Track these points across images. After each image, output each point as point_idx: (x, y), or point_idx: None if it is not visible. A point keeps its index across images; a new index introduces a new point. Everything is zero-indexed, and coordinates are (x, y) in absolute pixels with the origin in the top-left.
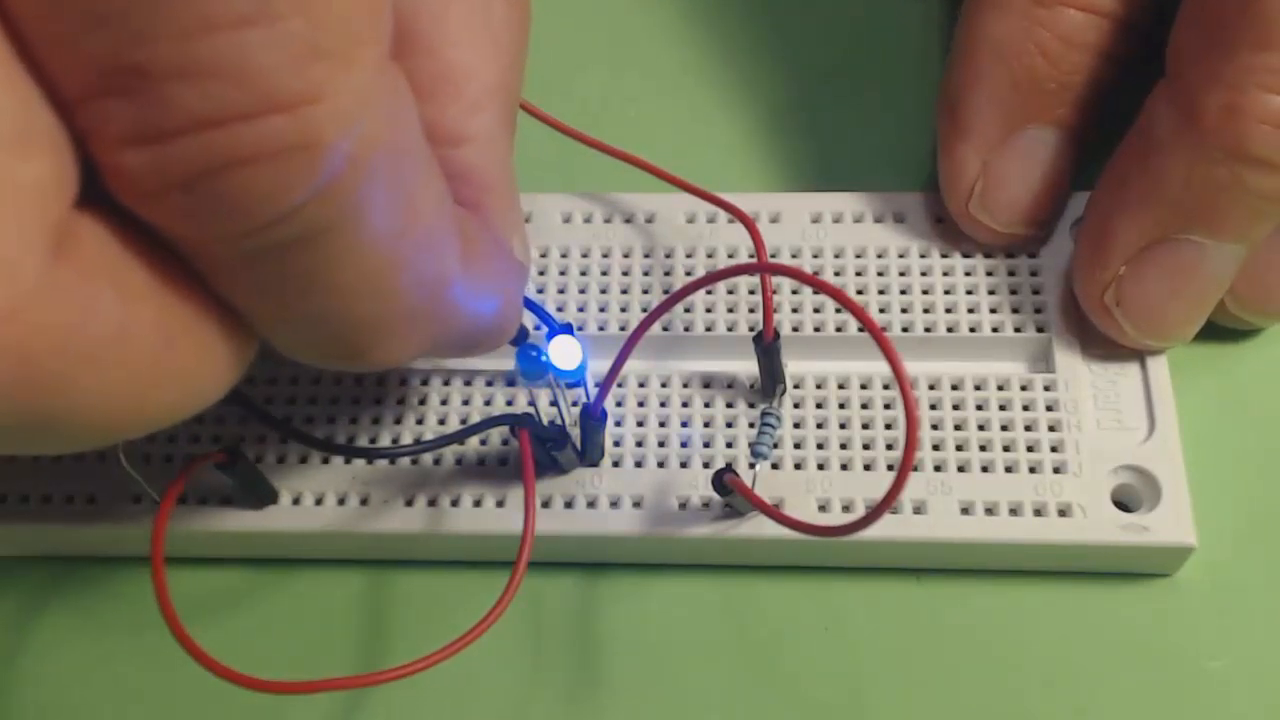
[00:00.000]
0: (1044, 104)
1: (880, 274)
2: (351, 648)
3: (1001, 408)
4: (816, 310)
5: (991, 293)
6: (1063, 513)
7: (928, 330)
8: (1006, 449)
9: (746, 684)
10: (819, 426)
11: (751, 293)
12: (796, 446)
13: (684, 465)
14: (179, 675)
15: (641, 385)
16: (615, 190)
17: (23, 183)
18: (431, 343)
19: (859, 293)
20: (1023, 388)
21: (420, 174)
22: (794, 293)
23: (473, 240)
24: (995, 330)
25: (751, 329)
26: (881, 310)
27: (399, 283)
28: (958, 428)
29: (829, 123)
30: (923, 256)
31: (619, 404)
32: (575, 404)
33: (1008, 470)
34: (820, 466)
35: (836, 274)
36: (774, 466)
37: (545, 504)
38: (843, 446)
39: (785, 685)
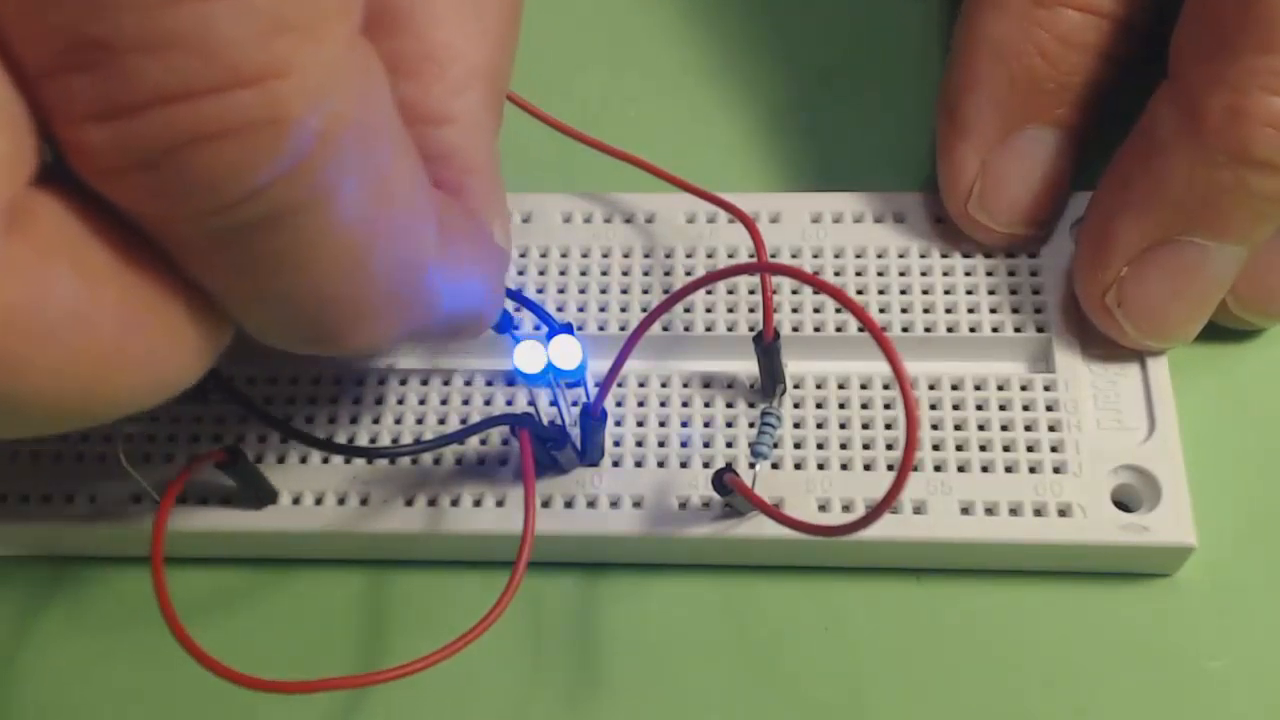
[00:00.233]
0: (1043, 104)
1: (880, 274)
2: (351, 648)
3: (1001, 408)
4: (816, 310)
5: (991, 293)
6: (1063, 513)
7: (928, 330)
8: (1006, 449)
9: (746, 684)
10: (819, 426)
11: (751, 293)
12: (796, 446)
13: (684, 465)
14: (179, 675)
15: (641, 385)
16: (615, 190)
17: None
18: (410, 328)
19: (859, 293)
20: (1023, 388)
21: (394, 153)
22: (794, 293)
23: (451, 223)
24: (995, 330)
25: (751, 329)
26: (881, 310)
27: (373, 265)
28: (958, 428)
29: (829, 123)
30: (923, 256)
31: (619, 404)
32: (575, 404)
33: (1008, 470)
34: (820, 466)
35: (836, 274)
36: (774, 466)
37: (545, 504)
38: (843, 446)
39: (785, 685)
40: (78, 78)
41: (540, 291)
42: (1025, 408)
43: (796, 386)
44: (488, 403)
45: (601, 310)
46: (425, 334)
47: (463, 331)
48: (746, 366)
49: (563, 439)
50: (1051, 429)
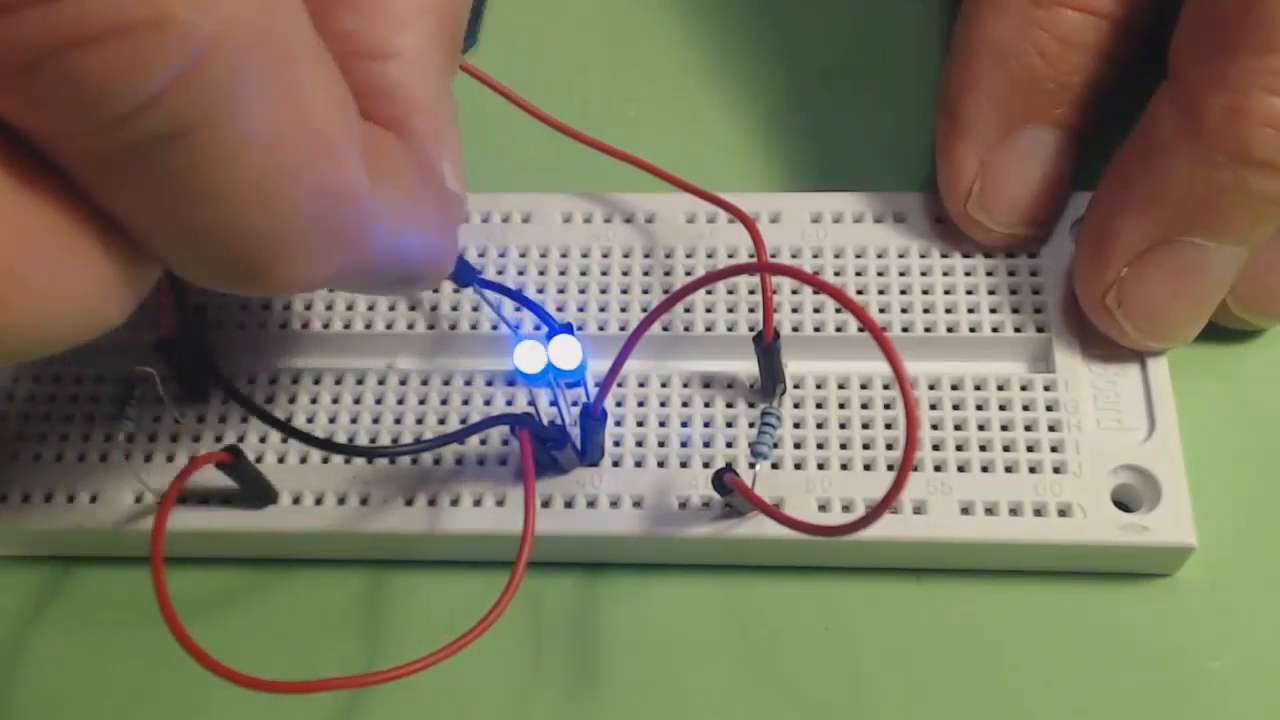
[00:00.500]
0: (1042, 104)
1: (880, 274)
2: (351, 648)
3: (1001, 408)
4: (816, 310)
5: (991, 293)
6: (1063, 513)
7: (928, 330)
8: (1006, 449)
9: (746, 684)
10: (819, 426)
11: (751, 293)
12: (796, 446)
13: (684, 465)
14: (179, 675)
15: (641, 385)
16: (615, 190)
17: None
18: (346, 267)
19: (859, 293)
20: (1023, 388)
21: (310, 72)
22: (794, 293)
23: (386, 157)
24: (995, 330)
25: (751, 329)
26: (881, 310)
27: (289, 191)
28: (958, 428)
29: (829, 123)
30: (923, 256)
31: (619, 404)
32: (575, 404)
33: (1008, 470)
34: (820, 466)
35: (836, 274)
36: (774, 466)
37: (545, 504)
38: (843, 446)
39: (785, 685)
40: None
41: (540, 291)
42: (1025, 408)
43: (796, 386)
44: (488, 403)
45: (601, 310)
46: (371, 277)
47: (415, 278)
48: (746, 366)
49: (563, 439)
50: (1051, 429)
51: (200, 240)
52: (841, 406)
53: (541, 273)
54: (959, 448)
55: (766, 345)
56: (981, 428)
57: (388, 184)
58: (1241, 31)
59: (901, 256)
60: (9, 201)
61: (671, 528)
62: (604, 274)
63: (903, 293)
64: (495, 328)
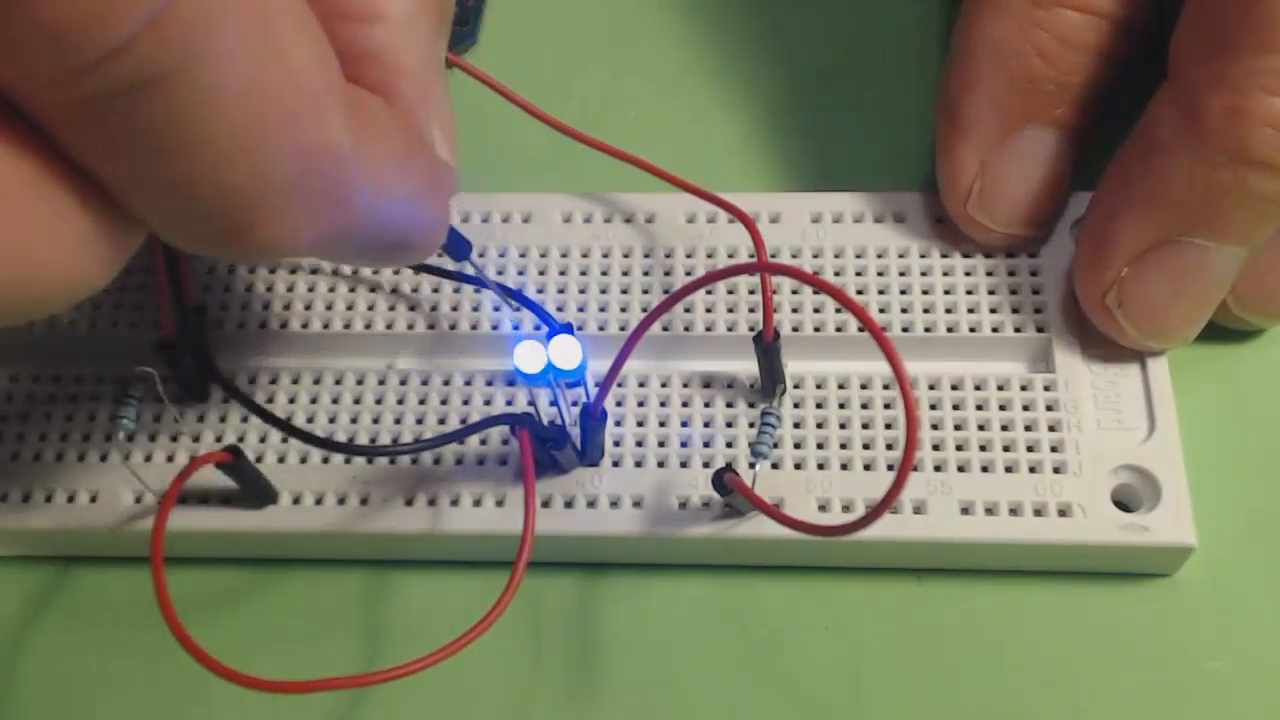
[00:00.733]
0: (1042, 104)
1: (880, 274)
2: (351, 648)
3: (1001, 408)
4: (816, 310)
5: (991, 293)
6: (1063, 513)
7: (928, 330)
8: (1006, 449)
9: (746, 684)
10: (819, 426)
11: (751, 293)
12: (796, 446)
13: (684, 465)
14: (179, 675)
15: (641, 385)
16: (615, 190)
17: None
18: (332, 232)
19: (859, 293)
20: (1023, 388)
21: (290, 26)
22: (794, 293)
23: (371, 119)
24: (995, 330)
25: (751, 329)
26: (881, 310)
27: (268, 147)
28: (958, 428)
29: (829, 123)
30: (923, 256)
31: (619, 404)
32: (575, 404)
33: (1008, 470)
34: (820, 466)
35: (836, 274)
36: (774, 466)
37: (545, 504)
38: (843, 446)
39: (785, 685)
40: None
41: (540, 291)
42: (1025, 408)
43: (796, 386)
44: (488, 403)
45: (601, 310)
46: (358, 244)
47: (405, 246)
48: (746, 366)
49: (563, 439)
50: (1051, 429)
51: (179, 198)
52: (841, 406)
53: (541, 273)
54: (959, 448)
55: (766, 345)
56: (981, 428)
57: (373, 145)
58: (1241, 31)
59: (901, 256)
60: None
61: (671, 528)
62: (604, 274)
63: (903, 293)
64: (495, 327)
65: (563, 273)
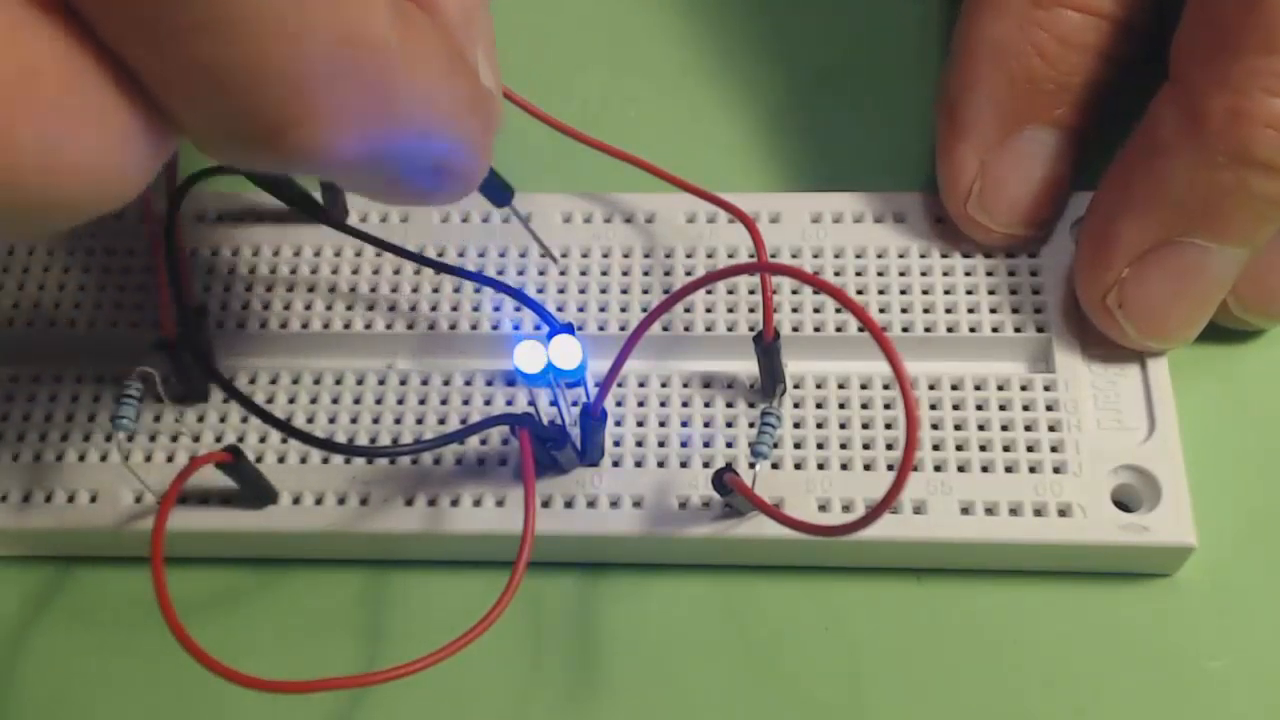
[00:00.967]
0: (1042, 104)
1: (880, 274)
2: (351, 648)
3: (1001, 408)
4: (816, 310)
5: (991, 293)
6: (1063, 513)
7: (928, 330)
8: (1006, 449)
9: (746, 684)
10: (819, 426)
11: (751, 293)
12: (796, 446)
13: (684, 465)
14: (179, 675)
15: (641, 385)
16: (615, 190)
17: None
18: (370, 141)
19: (859, 293)
20: (1023, 388)
21: None
22: (794, 293)
23: (415, 23)
24: (995, 330)
25: (751, 329)
26: (881, 310)
27: (310, 29)
28: (958, 428)
29: (829, 123)
30: (923, 256)
31: (619, 404)
32: (575, 404)
33: (1008, 470)
34: (820, 466)
35: (836, 274)
36: (774, 466)
37: (545, 504)
38: (843, 446)
39: (785, 685)
40: None
41: (540, 291)
42: (1025, 408)
43: (796, 386)
44: (488, 403)
45: (601, 310)
46: (398, 162)
47: (444, 174)
48: (746, 366)
49: (563, 439)
50: (1051, 429)
51: (217, 88)
52: (841, 406)
53: (541, 273)
54: (959, 448)
55: (766, 345)
56: (981, 428)
57: (417, 48)
58: (1243, 32)
59: (901, 256)
60: (16, 21)
61: (671, 528)
62: (604, 274)
63: (903, 293)
64: (495, 327)
65: (563, 273)
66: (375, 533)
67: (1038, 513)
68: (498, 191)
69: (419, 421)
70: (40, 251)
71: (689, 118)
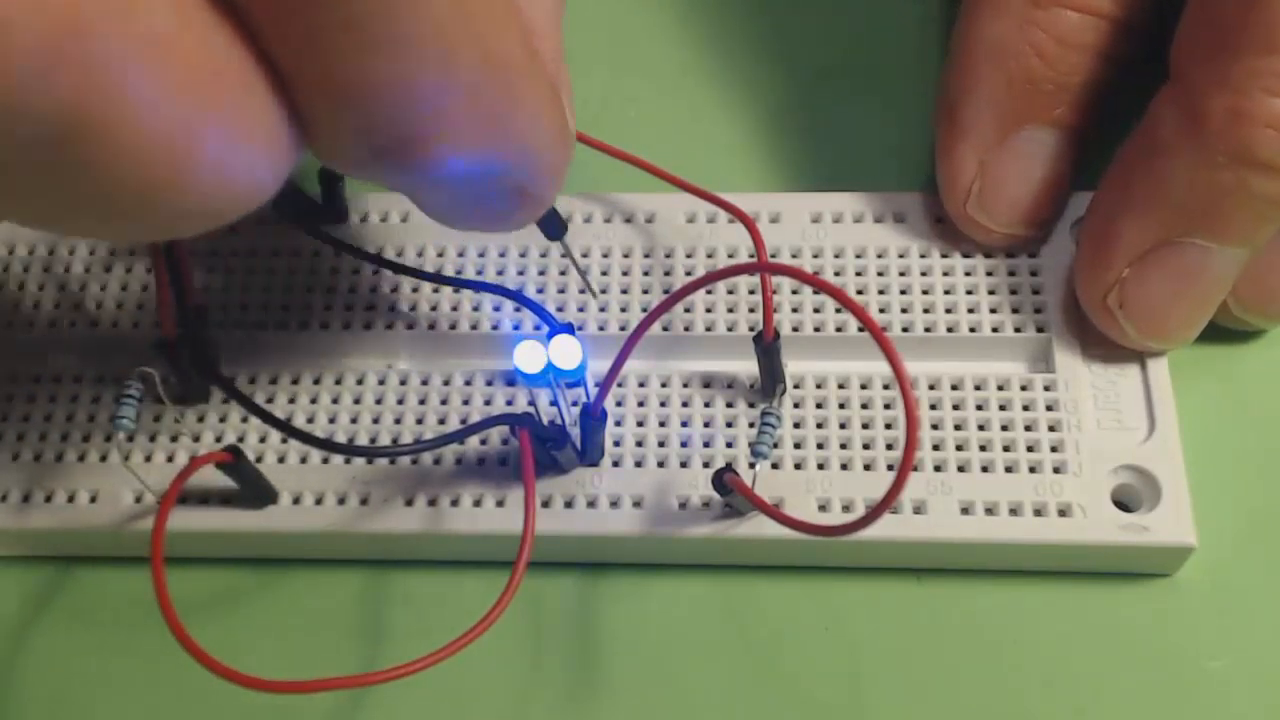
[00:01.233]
0: (1041, 104)
1: (880, 274)
2: (351, 648)
3: (1001, 408)
4: (816, 310)
5: (991, 293)
6: (1063, 513)
7: (928, 330)
8: (1006, 449)
9: (746, 684)
10: (819, 426)
11: (751, 293)
12: (796, 446)
13: (684, 465)
14: (179, 675)
15: (641, 385)
16: (615, 190)
17: None
18: (482, 154)
19: (859, 293)
20: (1023, 388)
21: None
22: (794, 293)
23: (531, 49)
24: (995, 330)
25: (751, 329)
26: (881, 310)
27: (463, 47)
28: (958, 428)
29: (829, 123)
30: (923, 256)
31: (619, 404)
32: (575, 404)
33: (1008, 470)
34: (820, 466)
35: (836, 274)
36: (774, 466)
37: (545, 504)
38: (843, 446)
39: (785, 685)
40: None
41: (540, 291)
42: (1025, 408)
43: (796, 386)
44: (488, 403)
45: (601, 310)
46: (496, 178)
47: (520, 200)
48: (746, 366)
49: (563, 439)
50: (1051, 429)
51: (365, 99)
52: (841, 406)
53: (541, 273)
54: (959, 448)
55: (766, 345)
56: (981, 428)
57: (536, 72)
58: (1243, 32)
59: (901, 256)
60: (210, 21)
61: (671, 528)
62: (604, 274)
63: (903, 293)
64: (495, 327)
65: (563, 273)
66: (375, 533)
67: (1038, 513)
68: (554, 225)
69: (419, 421)
70: (40, 251)
71: (689, 118)
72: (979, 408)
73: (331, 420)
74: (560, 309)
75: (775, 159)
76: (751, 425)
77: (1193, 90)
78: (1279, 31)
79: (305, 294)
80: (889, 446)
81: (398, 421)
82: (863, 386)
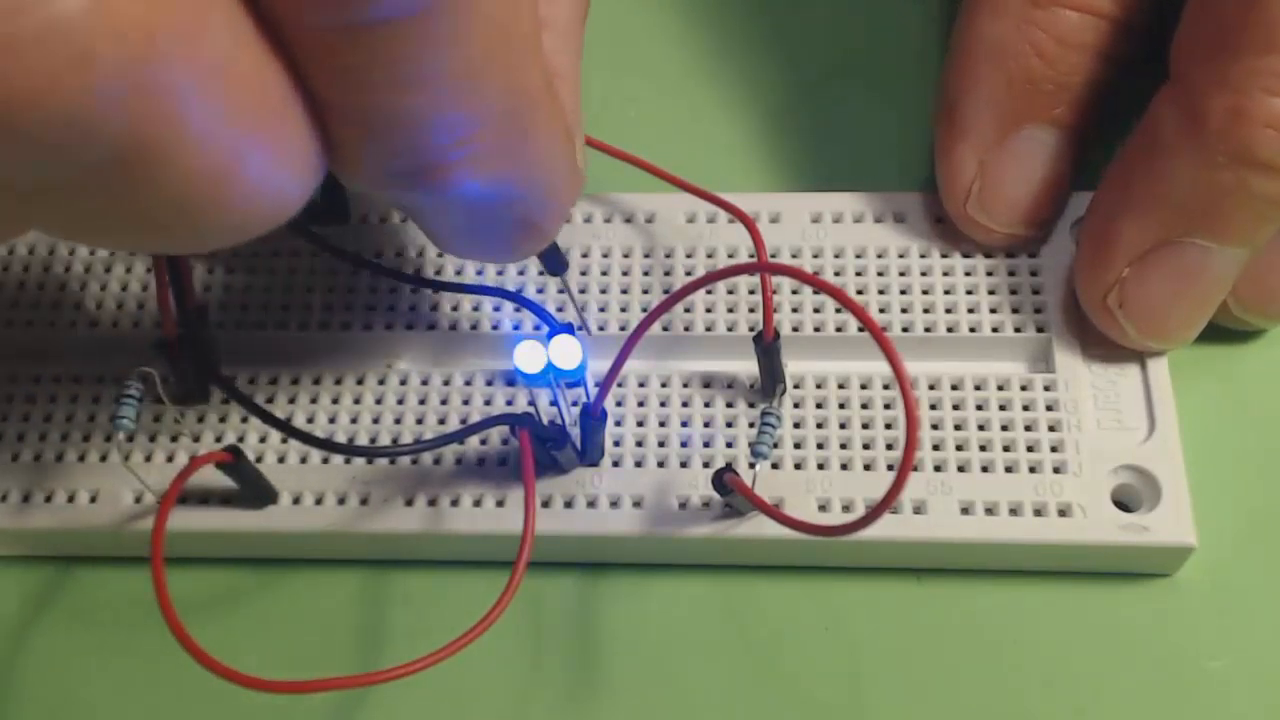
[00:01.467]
0: (1041, 104)
1: (880, 274)
2: (351, 648)
3: (1001, 408)
4: (816, 310)
5: (991, 293)
6: (1063, 513)
7: (928, 330)
8: (1006, 449)
9: (746, 684)
10: (819, 426)
11: (751, 293)
12: (796, 446)
13: (684, 465)
14: (179, 675)
15: (641, 385)
16: (615, 190)
17: None
18: (497, 183)
19: (859, 293)
20: (1023, 388)
21: None
22: (794, 293)
23: (551, 87)
24: (995, 330)
25: (751, 329)
26: (881, 310)
27: (491, 82)
28: (958, 428)
29: (829, 123)
30: (923, 256)
31: (619, 404)
32: (575, 404)
33: (1008, 470)
34: (820, 466)
35: (836, 274)
36: (774, 466)
37: (545, 504)
38: (843, 446)
39: (785, 685)
40: None
41: (540, 291)
42: (1025, 408)
43: (796, 386)
44: (488, 403)
45: (601, 310)
46: (498, 210)
47: (525, 231)
48: (746, 366)
49: (563, 439)
50: (1051, 429)
51: (394, 128)
52: (841, 406)
53: (541, 273)
54: (959, 448)
55: (766, 345)
56: (981, 428)
57: (554, 106)
58: (1243, 32)
59: (901, 256)
60: (261, 53)
61: (671, 528)
62: (604, 274)
63: (903, 293)
64: (495, 327)
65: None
66: (375, 533)
67: (1038, 513)
68: (556, 261)
69: (419, 421)
70: (40, 251)
71: (689, 118)
72: (979, 408)
73: (331, 420)
74: (560, 309)
75: (775, 159)
76: (751, 425)
77: (1193, 90)
78: (1279, 31)
79: (305, 294)
80: (889, 446)
81: (398, 421)
82: (863, 386)
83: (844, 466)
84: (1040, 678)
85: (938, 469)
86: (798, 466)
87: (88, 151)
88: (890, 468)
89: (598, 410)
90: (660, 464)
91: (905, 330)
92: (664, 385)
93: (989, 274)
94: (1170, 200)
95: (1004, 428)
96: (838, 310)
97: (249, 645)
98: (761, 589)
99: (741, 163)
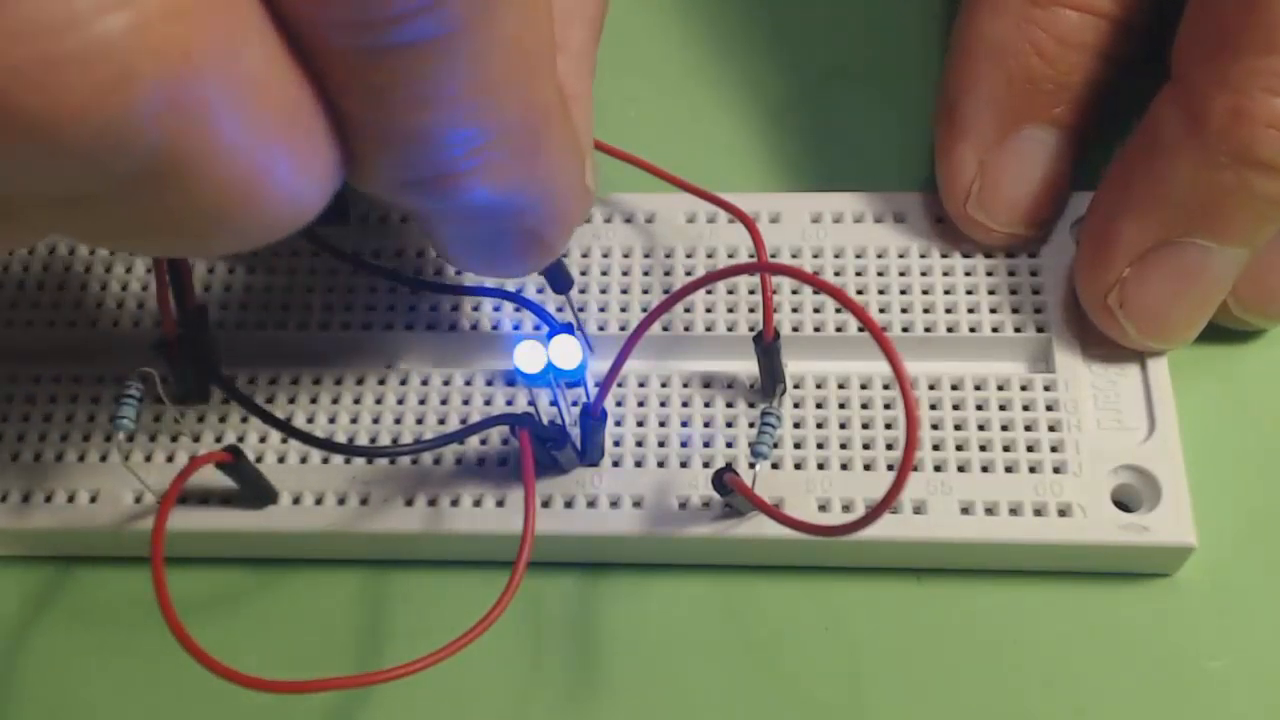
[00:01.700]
0: (1041, 104)
1: (880, 274)
2: (351, 648)
3: (1001, 408)
4: (816, 310)
5: (991, 293)
6: (1063, 513)
7: (928, 330)
8: (1006, 449)
9: (746, 684)
10: (819, 426)
11: (751, 293)
12: (796, 446)
13: (684, 465)
14: (179, 675)
15: (641, 385)
16: (615, 190)
17: None
18: (508, 193)
19: (859, 293)
20: (1023, 388)
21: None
22: (794, 293)
23: (565, 105)
24: (995, 330)
25: (751, 329)
26: (881, 310)
27: (511, 98)
28: (958, 428)
29: (829, 123)
30: (923, 256)
31: (619, 404)
32: (575, 404)
33: (1008, 470)
34: (820, 466)
35: (836, 274)
36: (774, 466)
37: (545, 504)
38: (843, 446)
39: (785, 685)
40: None
41: (540, 292)
42: (1025, 408)
43: (796, 386)
44: (488, 403)
45: (601, 310)
46: (507, 222)
47: (530, 245)
48: (746, 366)
49: (563, 439)
50: (1051, 429)
51: (411, 144)
52: (841, 406)
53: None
54: (959, 448)
55: (766, 345)
56: (981, 428)
57: (567, 123)
58: (1244, 32)
59: (901, 256)
60: (289, 69)
61: (671, 528)
62: (604, 274)
63: (903, 293)
64: (495, 327)
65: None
66: (375, 533)
67: (1038, 513)
68: (561, 279)
69: (419, 421)
70: (40, 251)
71: (689, 118)
72: (979, 408)
73: (331, 420)
74: (560, 309)
75: (775, 159)
76: (751, 425)
77: (1193, 90)
78: (1279, 31)
79: (305, 294)
80: (889, 446)
81: (398, 421)
82: (863, 386)
83: (844, 466)
84: (1040, 678)
85: (938, 469)
86: (798, 466)
87: (123, 163)
88: (890, 468)
89: (598, 410)
90: (660, 464)
91: (905, 330)
92: (664, 385)
93: (989, 274)
94: (1171, 200)
95: (1004, 428)
96: (838, 310)
97: (249, 645)
98: (761, 589)
99: (741, 163)
